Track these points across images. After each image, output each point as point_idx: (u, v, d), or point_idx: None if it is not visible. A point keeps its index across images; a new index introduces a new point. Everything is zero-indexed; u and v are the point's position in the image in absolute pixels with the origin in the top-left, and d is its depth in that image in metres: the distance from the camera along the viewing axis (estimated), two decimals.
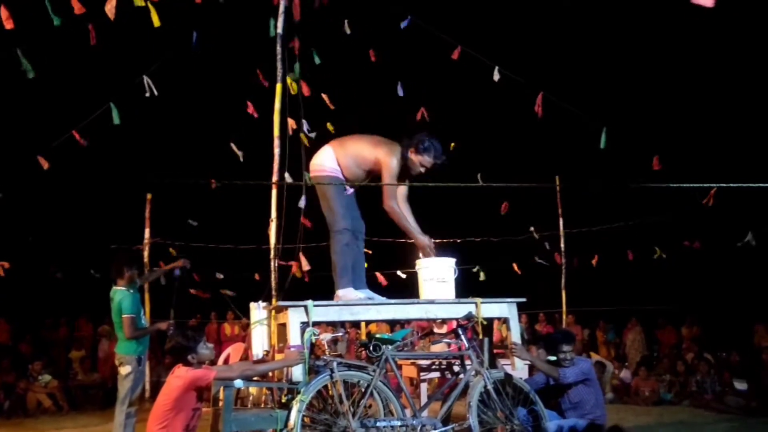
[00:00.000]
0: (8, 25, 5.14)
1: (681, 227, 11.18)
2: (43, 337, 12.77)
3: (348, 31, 7.49)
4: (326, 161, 5.65)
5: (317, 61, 7.35)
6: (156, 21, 5.93)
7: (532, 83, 7.48)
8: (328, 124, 7.53)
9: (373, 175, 5.70)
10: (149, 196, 10.04)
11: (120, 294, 6.20)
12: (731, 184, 5.28)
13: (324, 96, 7.68)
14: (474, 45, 7.59)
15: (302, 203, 6.65)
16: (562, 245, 10.64)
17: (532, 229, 11.39)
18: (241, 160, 7.44)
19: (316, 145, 6.18)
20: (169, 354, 4.68)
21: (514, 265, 11.88)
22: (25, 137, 10.08)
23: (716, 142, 13.27)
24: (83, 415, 9.83)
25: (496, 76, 7.41)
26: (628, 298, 13.09)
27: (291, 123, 6.64)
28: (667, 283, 13.59)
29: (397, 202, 5.61)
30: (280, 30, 6.77)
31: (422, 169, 5.63)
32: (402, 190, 5.79)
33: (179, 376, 4.39)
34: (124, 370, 6.09)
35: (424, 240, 5.70)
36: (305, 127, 6.90)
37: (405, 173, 5.68)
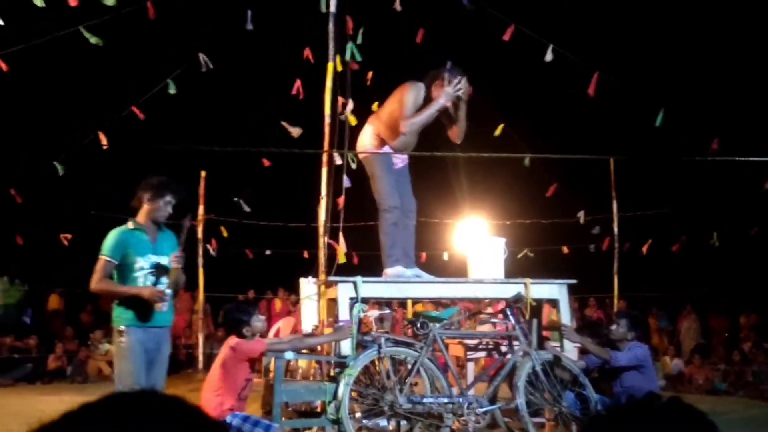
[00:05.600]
0: (73, 2, 5.31)
1: (739, 212, 10.82)
2: (102, 308, 13.27)
3: (398, 8, 7.45)
4: (367, 141, 5.64)
5: (359, 41, 7.35)
6: None
7: (587, 62, 7.31)
8: (375, 105, 7.55)
9: (423, 127, 5.65)
10: (204, 173, 10.26)
11: None
12: None
13: (369, 74, 7.68)
14: (526, 24, 7.46)
15: (347, 183, 6.66)
16: (616, 229, 10.43)
17: (581, 213, 11.18)
18: (296, 137, 7.46)
19: (361, 124, 6.19)
20: (223, 326, 4.79)
21: (564, 248, 11.72)
22: (87, 114, 10.40)
23: None
24: None
25: (549, 56, 7.26)
26: (683, 285, 12.75)
27: (341, 100, 6.67)
28: (724, 269, 13.18)
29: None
30: (332, 8, 6.79)
31: (448, 104, 5.54)
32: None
33: (233, 347, 4.51)
34: None
35: (446, 96, 5.41)
36: (349, 107, 6.89)
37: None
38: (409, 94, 5.43)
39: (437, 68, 5.56)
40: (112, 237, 4.21)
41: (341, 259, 6.42)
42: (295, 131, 7.24)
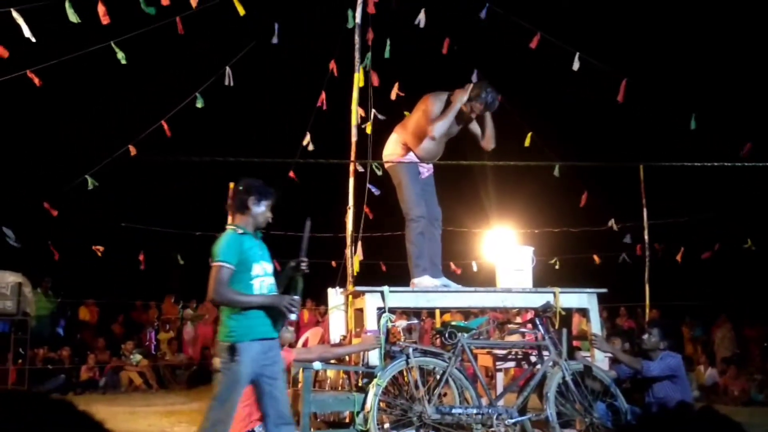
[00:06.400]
0: (105, 20, 5.43)
1: None
2: (133, 319, 13.46)
3: (423, 21, 7.48)
4: (395, 148, 5.66)
5: (387, 55, 7.39)
6: (241, 10, 6.13)
7: (615, 69, 7.25)
8: (406, 113, 7.55)
9: (449, 137, 5.67)
10: (232, 185, 10.34)
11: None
12: None
13: (396, 85, 7.71)
14: (553, 31, 7.43)
15: (375, 191, 6.69)
16: (646, 236, 10.25)
17: (612, 221, 11.04)
18: (308, 147, 7.57)
19: (386, 135, 6.21)
20: None
21: (595, 257, 11.56)
22: (117, 128, 10.61)
23: None
24: (171, 393, 10.32)
25: (576, 65, 7.23)
26: (717, 293, 12.48)
27: (360, 112, 6.71)
28: (759, 276, 12.87)
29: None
30: (358, 20, 6.84)
31: (473, 115, 5.54)
32: (454, 130, 5.71)
33: None
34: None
35: (462, 94, 5.49)
36: (373, 115, 6.95)
37: (458, 119, 5.61)
38: (433, 103, 5.48)
39: (466, 83, 5.64)
40: (226, 241, 3.84)
41: (355, 268, 6.41)
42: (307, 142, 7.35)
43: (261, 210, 3.97)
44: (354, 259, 6.34)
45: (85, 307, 12.72)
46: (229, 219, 4.01)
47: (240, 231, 3.91)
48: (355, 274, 6.23)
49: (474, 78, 8.07)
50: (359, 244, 6.62)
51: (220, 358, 3.78)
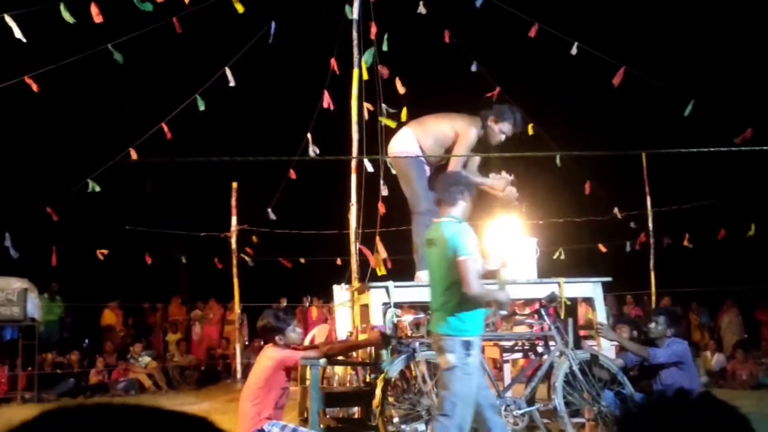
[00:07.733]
0: (98, 19, 5.44)
1: None
2: (141, 321, 13.49)
3: (423, 11, 7.47)
4: (408, 145, 5.61)
5: (385, 48, 7.38)
6: (239, 8, 6.12)
7: (614, 56, 7.22)
8: (404, 110, 7.54)
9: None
10: (235, 185, 10.36)
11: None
12: None
13: (397, 80, 7.71)
14: (553, 20, 7.41)
15: (384, 191, 6.69)
16: (650, 224, 10.24)
17: (616, 210, 11.02)
18: (315, 154, 7.57)
19: (393, 128, 6.19)
20: (259, 333, 4.83)
21: (600, 246, 11.54)
22: (118, 131, 10.62)
23: None
24: (180, 394, 10.35)
25: (574, 50, 7.22)
26: (723, 279, 12.45)
27: (368, 107, 6.71)
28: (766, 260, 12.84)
29: (469, 172, 5.56)
30: (355, 15, 6.84)
31: (502, 137, 5.52)
32: (476, 160, 5.73)
33: (269, 356, 4.54)
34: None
35: (499, 183, 5.51)
36: (384, 109, 6.94)
37: (485, 144, 5.61)
38: (471, 133, 5.42)
39: (494, 106, 5.67)
40: (470, 235, 3.87)
41: (380, 270, 6.36)
42: (314, 150, 7.38)
43: (470, 204, 4.10)
44: (376, 257, 6.33)
45: (110, 310, 12.72)
46: (447, 210, 4.05)
47: (467, 225, 3.96)
48: (380, 274, 6.21)
49: (474, 67, 8.06)
50: (377, 241, 6.61)
51: (454, 353, 3.77)
